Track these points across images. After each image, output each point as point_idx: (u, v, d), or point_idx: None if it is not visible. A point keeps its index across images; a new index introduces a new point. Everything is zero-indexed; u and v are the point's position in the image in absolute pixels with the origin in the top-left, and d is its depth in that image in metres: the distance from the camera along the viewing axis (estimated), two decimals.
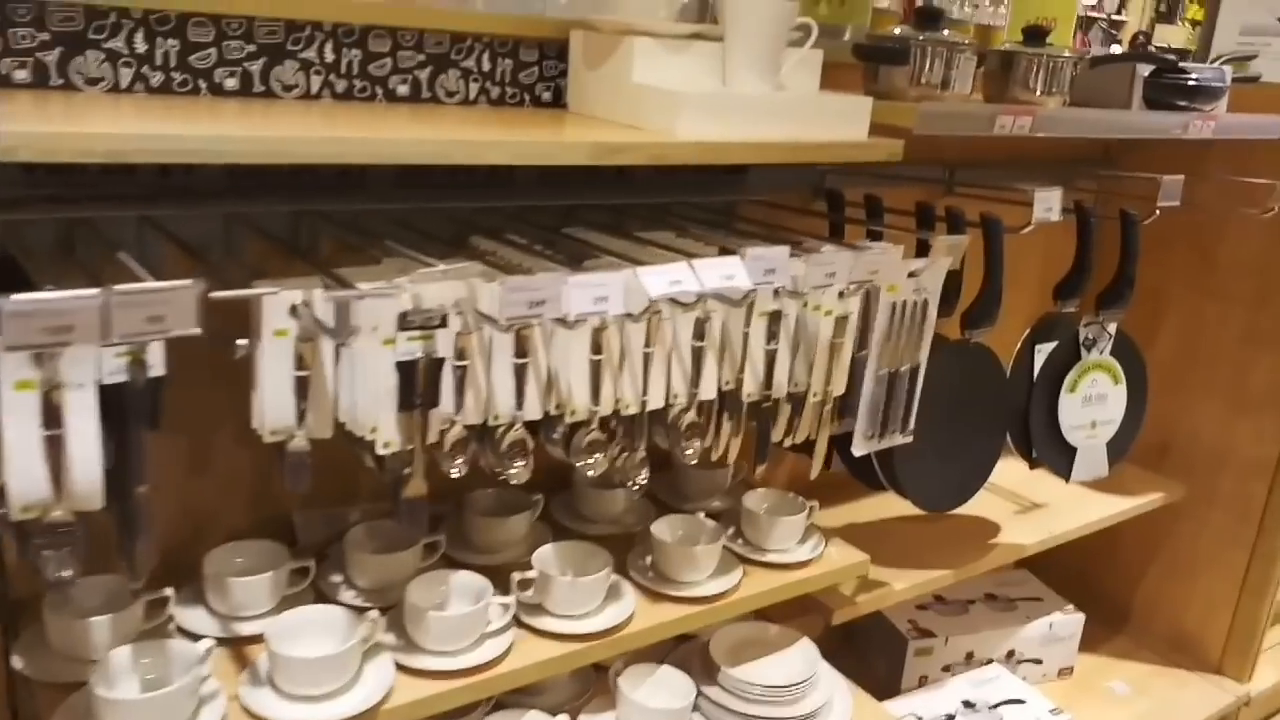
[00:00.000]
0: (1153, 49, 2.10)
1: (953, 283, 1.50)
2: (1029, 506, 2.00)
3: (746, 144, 1.23)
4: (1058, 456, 1.76)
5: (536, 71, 1.44)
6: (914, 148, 1.54)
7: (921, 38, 1.51)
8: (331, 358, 1.06)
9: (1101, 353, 1.74)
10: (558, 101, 1.46)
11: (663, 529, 1.42)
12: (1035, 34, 1.67)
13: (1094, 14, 10.04)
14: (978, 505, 1.95)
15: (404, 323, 0.99)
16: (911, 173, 1.80)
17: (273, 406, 1.04)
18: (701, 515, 1.48)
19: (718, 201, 1.63)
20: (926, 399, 1.49)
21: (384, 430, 1.05)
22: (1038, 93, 1.64)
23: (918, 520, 1.81)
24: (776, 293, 1.27)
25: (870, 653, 2.06)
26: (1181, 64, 1.77)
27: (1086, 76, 1.79)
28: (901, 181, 1.76)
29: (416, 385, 1.02)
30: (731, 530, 1.53)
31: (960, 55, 1.51)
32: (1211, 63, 1.95)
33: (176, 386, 1.25)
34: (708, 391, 1.30)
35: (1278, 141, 1.83)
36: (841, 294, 1.31)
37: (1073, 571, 2.33)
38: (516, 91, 1.43)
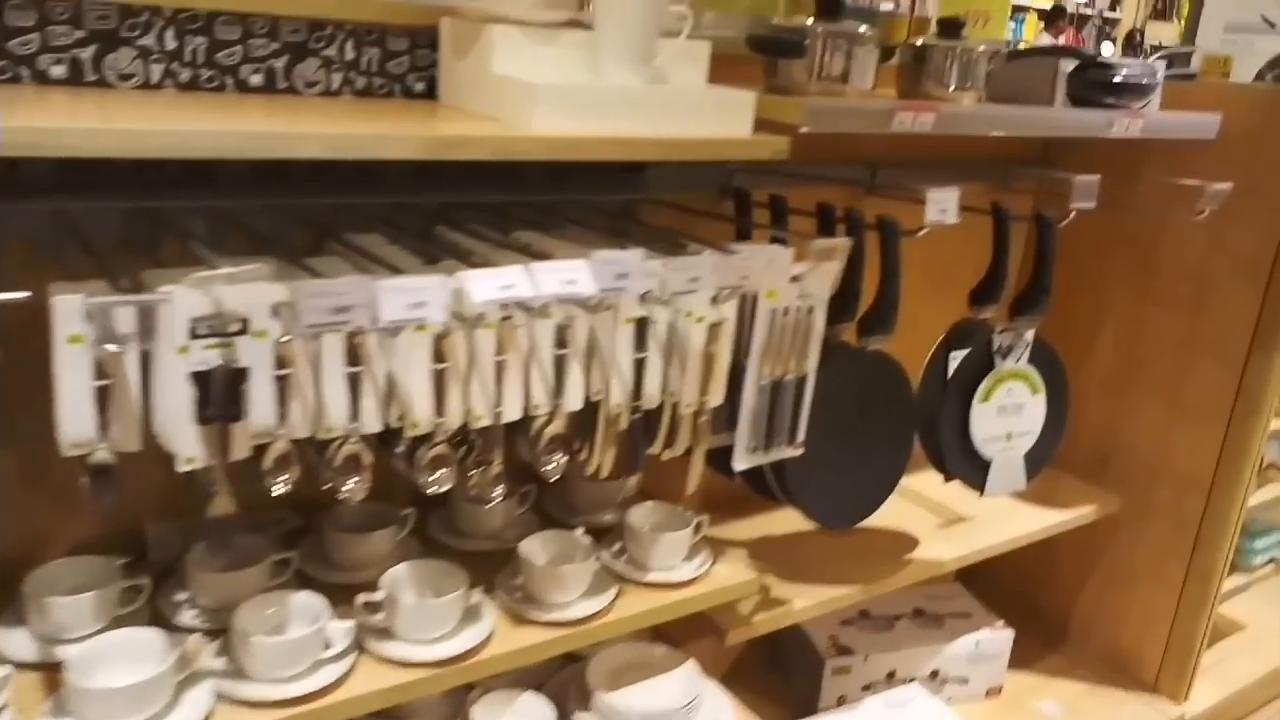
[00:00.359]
0: (1147, 47, 2.03)
1: (848, 287, 1.43)
2: (953, 519, 1.92)
3: (610, 139, 1.16)
4: (971, 469, 1.68)
5: (407, 61, 1.36)
6: (834, 146, 1.47)
7: (820, 29, 1.43)
8: (138, 366, 0.99)
9: (1018, 361, 1.66)
10: (432, 93, 1.39)
11: (533, 547, 1.35)
12: (950, 26, 1.59)
13: (1086, 11, 9.98)
14: (898, 518, 1.88)
15: (196, 330, 0.91)
16: (831, 173, 1.74)
17: (72, 418, 0.97)
18: (579, 532, 1.40)
19: (617, 201, 1.56)
20: (820, 410, 1.42)
21: (184, 445, 0.97)
22: (951, 88, 1.57)
23: (832, 534, 1.74)
24: (644, 298, 1.19)
25: (791, 671, 1.98)
26: (1106, 59, 1.70)
27: (1008, 72, 1.71)
28: (820, 182, 1.69)
29: (214, 397, 0.95)
30: (617, 547, 1.45)
31: (861, 48, 1.44)
32: (1148, 59, 1.88)
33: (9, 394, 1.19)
34: (573, 402, 1.22)
35: (1221, 141, 1.76)
36: (715, 300, 1.24)
37: (1008, 585, 2.26)
38: (385, 82, 1.36)
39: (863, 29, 1.45)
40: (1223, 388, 1.94)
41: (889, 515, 1.75)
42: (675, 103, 1.23)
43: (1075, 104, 1.68)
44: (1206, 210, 1.74)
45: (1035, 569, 2.26)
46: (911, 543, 1.83)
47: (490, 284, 0.99)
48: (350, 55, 1.32)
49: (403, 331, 1.06)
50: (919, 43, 1.58)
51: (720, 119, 1.26)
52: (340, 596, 1.23)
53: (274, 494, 1.04)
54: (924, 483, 1.90)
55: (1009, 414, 1.67)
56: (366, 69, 1.34)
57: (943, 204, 1.34)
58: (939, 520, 1.92)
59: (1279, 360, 1.88)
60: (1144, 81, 1.70)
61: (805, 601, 1.59)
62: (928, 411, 1.63)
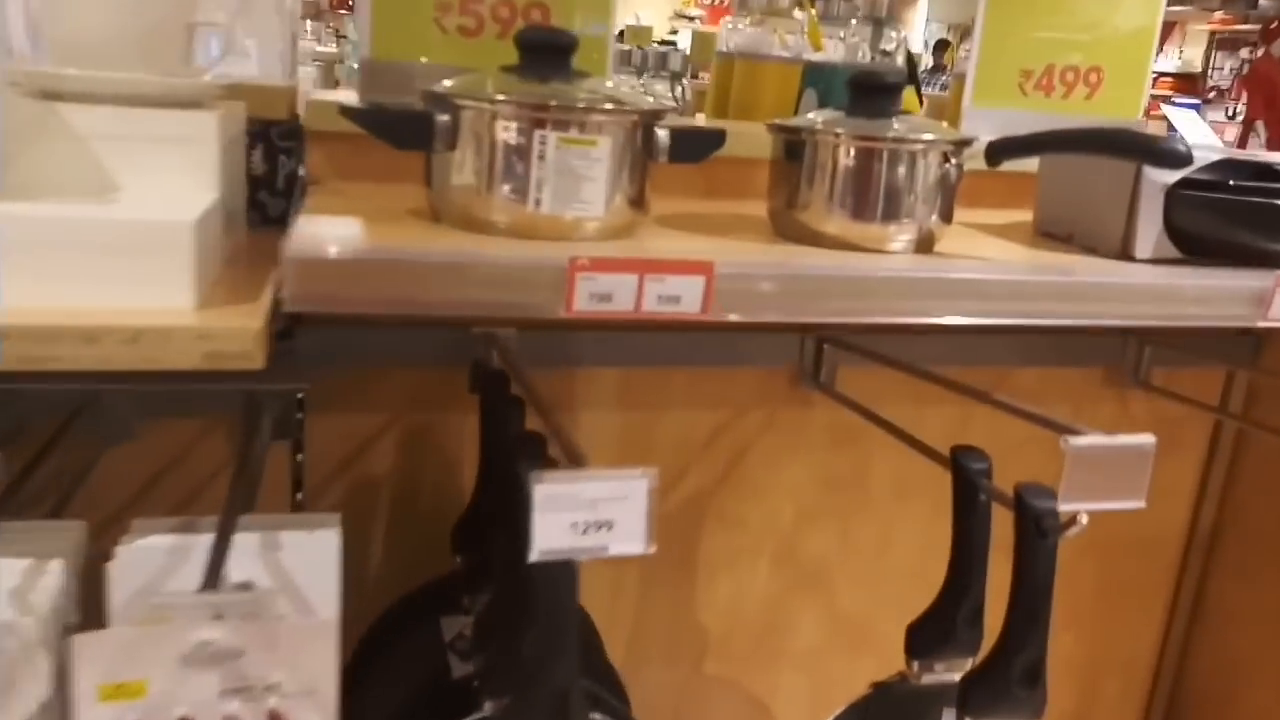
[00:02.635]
0: None
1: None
2: None
3: None
4: None
5: None
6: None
7: (492, 92, 0.69)
8: None
9: None
10: None
11: None
12: (864, 87, 0.78)
13: None
14: None
15: None
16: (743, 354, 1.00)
17: None
18: None
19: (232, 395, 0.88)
20: None
21: None
22: (877, 217, 0.75)
23: None
24: None
25: None
26: (1253, 156, 0.79)
27: (1054, 177, 0.86)
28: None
29: None
30: None
31: (563, 134, 0.68)
32: None
33: None
34: None
35: None
36: None
37: None
38: None
39: (586, 93, 0.69)
40: None
41: None
42: None
43: (1187, 247, 0.79)
44: None
45: None
46: None
47: None
48: None
49: None
50: (785, 123, 0.78)
51: (103, 272, 0.58)
52: None
53: None
54: None
55: None
56: None
57: (621, 490, 0.52)
58: None
59: None
60: None
61: None
62: None
